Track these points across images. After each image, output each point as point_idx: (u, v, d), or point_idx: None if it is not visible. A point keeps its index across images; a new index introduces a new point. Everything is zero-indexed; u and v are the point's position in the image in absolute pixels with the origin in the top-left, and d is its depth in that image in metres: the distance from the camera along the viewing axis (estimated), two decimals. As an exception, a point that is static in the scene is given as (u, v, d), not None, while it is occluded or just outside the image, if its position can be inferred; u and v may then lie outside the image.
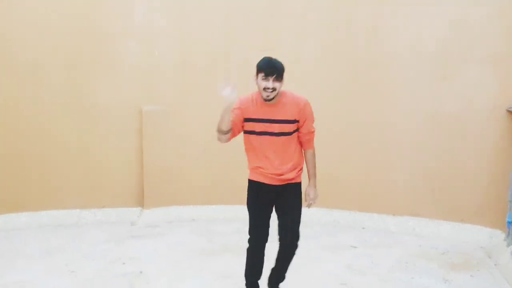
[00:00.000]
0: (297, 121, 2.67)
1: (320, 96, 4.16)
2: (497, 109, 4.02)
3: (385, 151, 4.48)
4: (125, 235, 4.26)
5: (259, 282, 2.94)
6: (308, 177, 2.83)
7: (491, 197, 4.10)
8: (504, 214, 3.88)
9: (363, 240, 4.15)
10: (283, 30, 4.60)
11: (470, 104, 4.14)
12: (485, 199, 4.15)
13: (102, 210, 4.73)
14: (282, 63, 2.61)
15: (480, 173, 4.16)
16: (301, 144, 2.78)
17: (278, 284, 2.94)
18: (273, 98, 2.60)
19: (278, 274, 2.90)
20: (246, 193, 4.90)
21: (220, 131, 2.65)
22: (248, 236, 2.85)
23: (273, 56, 4.49)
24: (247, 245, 3.61)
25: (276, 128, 2.63)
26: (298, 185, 2.78)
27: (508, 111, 3.95)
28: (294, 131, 2.69)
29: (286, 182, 2.71)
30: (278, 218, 2.78)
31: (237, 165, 4.75)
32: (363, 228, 4.45)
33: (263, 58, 2.63)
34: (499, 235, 4.00)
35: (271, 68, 2.55)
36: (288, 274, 3.19)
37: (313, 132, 2.77)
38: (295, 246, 2.77)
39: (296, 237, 2.76)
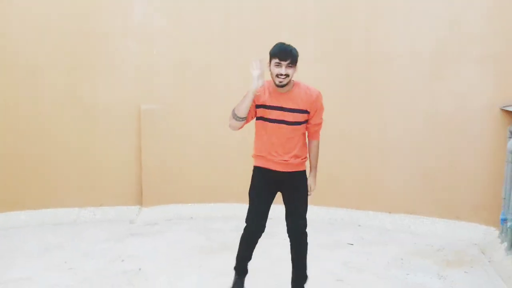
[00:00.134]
0: (308, 112, 2.68)
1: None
2: (493, 108, 4.07)
3: (381, 150, 4.53)
4: (124, 233, 4.29)
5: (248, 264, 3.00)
6: (310, 167, 2.86)
7: (486, 195, 4.16)
8: (498, 212, 3.93)
9: (360, 237, 4.20)
10: (281, 30, 4.63)
11: (466, 103, 4.19)
12: (480, 197, 4.20)
13: (101, 209, 4.76)
14: (296, 49, 2.60)
15: (475, 171, 4.21)
16: (307, 134, 2.80)
17: (303, 286, 2.91)
18: (286, 85, 2.61)
19: (300, 273, 2.87)
20: (244, 191, 4.95)
21: (235, 117, 2.63)
22: (246, 222, 2.85)
23: (267, 54, 4.49)
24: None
25: (287, 116, 2.64)
26: (303, 173, 2.80)
27: (503, 109, 4.01)
28: (303, 122, 2.70)
29: (290, 170, 2.72)
30: (287, 203, 2.79)
31: (235, 164, 4.82)
32: (359, 226, 4.50)
33: (276, 44, 2.63)
34: (494, 232, 4.06)
35: (284, 54, 2.55)
36: (284, 271, 3.24)
37: (321, 123, 2.80)
38: (304, 233, 2.78)
39: (304, 224, 2.77)
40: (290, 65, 2.56)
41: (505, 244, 3.67)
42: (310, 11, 4.59)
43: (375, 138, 4.53)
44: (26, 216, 4.59)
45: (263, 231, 2.82)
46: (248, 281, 3.05)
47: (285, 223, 2.82)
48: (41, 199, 4.65)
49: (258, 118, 2.73)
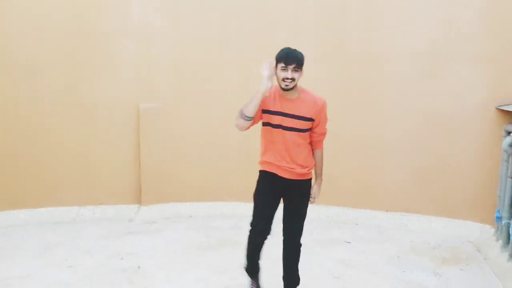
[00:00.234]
0: (313, 120, 2.68)
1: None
2: (487, 107, 4.12)
3: (378, 149, 4.56)
4: (123, 232, 4.32)
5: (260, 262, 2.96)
6: (316, 176, 2.87)
7: (481, 193, 4.20)
8: (494, 210, 3.98)
9: (357, 235, 4.24)
10: (280, 30, 4.66)
11: (462, 103, 4.24)
12: (476, 195, 4.25)
13: (101, 207, 4.79)
14: (302, 54, 2.61)
15: (471, 170, 4.26)
16: (311, 143, 2.80)
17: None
18: (291, 89, 2.61)
19: (291, 280, 2.89)
20: (243, 190, 4.99)
21: (244, 116, 2.63)
22: (250, 226, 2.82)
23: (265, 54, 4.53)
24: (243, 239, 3.66)
25: (291, 123, 2.64)
26: (309, 181, 2.79)
27: (498, 109, 4.05)
28: (308, 129, 2.70)
29: (296, 178, 2.72)
30: (286, 214, 2.79)
31: (234, 163, 4.85)
32: (357, 224, 4.54)
33: (282, 49, 2.63)
34: (489, 230, 4.11)
35: (290, 59, 2.56)
36: (280, 267, 3.27)
37: (325, 133, 2.81)
38: (298, 246, 2.81)
39: (300, 238, 2.79)
40: (296, 69, 2.56)
41: (500, 241, 3.72)
42: (308, 12, 4.63)
43: (372, 137, 4.57)
44: (25, 215, 4.62)
45: (268, 234, 2.78)
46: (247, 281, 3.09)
47: (282, 226, 2.82)
48: (40, 198, 4.68)
49: (264, 124, 2.72)
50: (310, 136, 2.76)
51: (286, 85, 2.59)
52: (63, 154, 4.71)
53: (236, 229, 4.38)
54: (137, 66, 4.75)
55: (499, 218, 3.80)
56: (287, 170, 2.69)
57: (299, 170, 2.70)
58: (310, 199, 2.84)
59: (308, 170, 2.75)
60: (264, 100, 2.64)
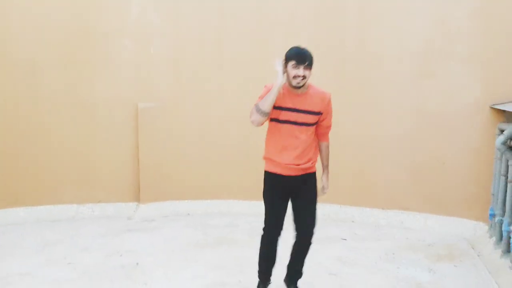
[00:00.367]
0: (321, 113, 2.74)
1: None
2: (481, 105, 4.16)
3: (374, 148, 4.61)
4: (121, 229, 4.36)
5: (273, 270, 2.97)
6: (323, 168, 2.93)
7: (476, 191, 4.25)
8: (488, 207, 4.02)
9: (353, 233, 4.28)
10: (276, 29, 4.71)
11: (455, 101, 4.28)
12: (470, 193, 4.29)
13: (99, 205, 4.83)
14: (311, 53, 2.67)
15: (465, 168, 4.30)
16: (317, 135, 2.85)
17: (296, 282, 2.97)
18: (302, 86, 2.65)
19: (296, 269, 2.93)
20: (240, 188, 5.04)
21: (261, 112, 2.64)
22: (263, 226, 2.85)
23: (264, 53, 4.59)
24: (240, 237, 3.72)
25: (301, 118, 2.68)
26: (314, 174, 2.84)
27: (492, 107, 4.09)
28: (315, 123, 2.76)
29: (302, 173, 2.76)
30: (295, 208, 2.82)
31: (232, 161, 4.90)
32: (353, 221, 4.59)
33: (292, 48, 2.67)
34: (483, 227, 4.16)
35: (302, 57, 2.61)
36: (278, 265, 3.30)
37: (331, 126, 2.87)
38: (311, 236, 2.81)
39: (313, 225, 2.80)
40: (307, 67, 2.62)
41: (494, 238, 3.77)
42: (303, 12, 4.67)
43: (368, 136, 4.61)
44: (24, 213, 4.66)
45: (280, 232, 2.83)
46: (247, 280, 3.12)
47: (294, 224, 2.83)
48: (39, 196, 4.72)
49: (273, 120, 2.73)
50: (317, 129, 2.82)
51: (298, 83, 2.63)
52: (62, 152, 4.75)
53: (233, 226, 4.42)
54: (136, 66, 4.79)
55: (492, 216, 3.85)
56: (293, 168, 2.72)
57: (305, 165, 2.74)
58: (324, 191, 2.91)
59: (312, 164, 2.80)
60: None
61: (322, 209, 4.70)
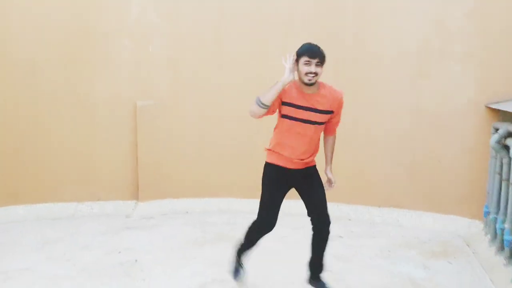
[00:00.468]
0: (332, 112, 2.74)
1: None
2: (476, 104, 4.21)
3: (370, 147, 4.65)
4: (120, 227, 4.40)
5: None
6: (328, 161, 2.92)
7: (471, 189, 4.30)
8: (483, 205, 4.08)
9: (349, 230, 4.33)
10: (273, 29, 4.75)
11: (450, 100, 4.33)
12: (466, 191, 4.34)
13: (98, 203, 4.87)
14: (323, 50, 2.66)
15: (460, 166, 4.35)
16: (327, 130, 2.86)
17: (320, 276, 2.97)
18: (314, 83, 2.63)
19: (318, 263, 2.93)
20: (238, 186, 5.07)
21: (260, 103, 2.61)
22: (257, 217, 2.85)
23: (263, 53, 4.60)
24: (239, 234, 3.71)
25: (312, 116, 2.67)
26: (315, 167, 2.86)
27: (487, 106, 4.14)
28: (325, 122, 2.76)
29: (304, 166, 2.78)
30: (307, 198, 2.82)
31: (230, 159, 4.93)
32: (349, 219, 4.63)
33: (303, 45, 2.66)
34: (478, 225, 4.20)
35: (314, 53, 2.59)
36: (275, 262, 3.36)
37: (340, 121, 2.88)
38: (329, 224, 2.82)
39: (328, 215, 2.82)
40: (319, 64, 2.60)
41: (489, 236, 3.82)
42: (300, 12, 4.71)
43: (364, 135, 4.65)
44: (24, 211, 4.70)
45: (274, 226, 2.84)
46: (247, 282, 3.17)
47: (310, 218, 2.85)
48: (39, 194, 4.75)
49: (284, 116, 2.71)
50: (327, 124, 2.81)
51: (309, 80, 2.60)
52: (61, 151, 4.79)
53: (231, 224, 4.46)
54: (136, 65, 4.83)
55: (487, 213, 3.90)
56: (297, 162, 2.74)
57: (308, 159, 2.77)
58: (332, 185, 2.91)
59: (313, 157, 2.83)
60: (284, 92, 2.65)
61: (319, 207, 4.79)
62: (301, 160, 2.75)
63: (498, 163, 3.70)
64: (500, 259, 3.36)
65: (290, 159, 2.74)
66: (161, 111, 4.88)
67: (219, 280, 3.26)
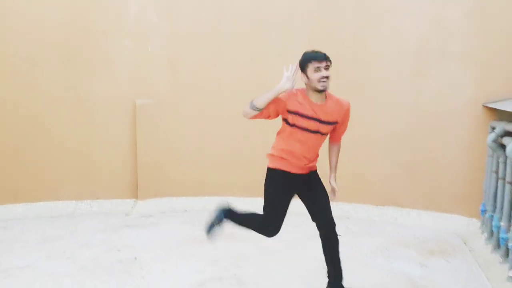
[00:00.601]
0: (337, 123, 2.75)
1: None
2: (474, 104, 4.24)
3: (369, 146, 4.68)
4: (120, 225, 4.42)
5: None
6: (332, 169, 2.90)
7: (469, 188, 4.32)
8: (480, 204, 4.10)
9: (348, 229, 4.35)
10: (272, 28, 4.77)
11: (449, 100, 4.36)
12: (464, 190, 4.37)
13: (98, 202, 4.89)
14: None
15: (459, 165, 4.38)
16: (332, 138, 2.86)
17: (341, 284, 2.92)
18: (326, 89, 2.61)
19: (336, 271, 2.90)
20: (237, 185, 5.09)
21: (252, 106, 2.62)
22: (263, 222, 2.82)
23: (262, 53, 4.59)
24: (237, 232, 3.74)
25: (317, 126, 2.67)
26: (316, 171, 2.87)
27: (484, 106, 4.16)
28: (328, 132, 2.77)
29: (308, 171, 2.79)
30: (310, 203, 2.82)
31: (228, 158, 4.95)
32: (348, 218, 4.66)
33: (306, 53, 2.63)
34: (476, 223, 4.23)
35: (321, 57, 2.57)
36: (275, 261, 3.38)
37: (346, 129, 2.88)
38: (334, 226, 2.82)
39: (332, 218, 2.81)
40: (327, 67, 2.58)
41: (485, 234, 3.84)
42: (300, 11, 4.73)
43: (364, 134, 4.67)
44: (24, 209, 4.73)
45: (280, 229, 2.82)
46: (242, 273, 3.17)
47: (315, 223, 2.84)
48: (39, 192, 4.78)
49: (287, 123, 2.69)
50: (332, 132, 2.82)
51: (323, 85, 2.58)
52: (61, 150, 4.81)
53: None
54: (135, 64, 4.85)
55: (484, 212, 3.93)
56: (303, 168, 2.75)
57: (311, 163, 2.79)
58: (335, 194, 2.88)
59: (315, 162, 2.84)
60: (290, 100, 2.63)
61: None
62: (304, 165, 2.76)
63: (494, 162, 3.73)
64: (496, 257, 3.39)
65: (293, 164, 2.74)
66: (161, 110, 4.90)
67: (218, 277, 3.28)
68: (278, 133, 2.81)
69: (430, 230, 4.33)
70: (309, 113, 2.64)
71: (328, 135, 2.86)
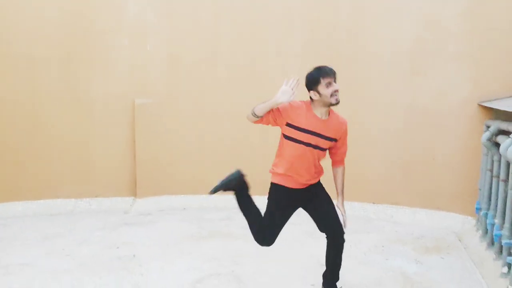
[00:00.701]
0: (336, 140, 2.77)
1: (301, 90, 4.38)
2: (469, 102, 4.28)
3: (366, 144, 4.71)
4: (118, 223, 4.46)
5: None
6: (338, 193, 2.90)
7: (465, 186, 4.37)
8: (475, 202, 4.15)
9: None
10: (269, 28, 4.81)
11: (445, 99, 4.40)
12: (459, 188, 4.41)
13: (97, 200, 4.93)
14: None
15: (454, 163, 4.42)
16: (335, 160, 2.88)
17: (336, 285, 2.96)
18: (339, 102, 2.63)
19: (334, 274, 2.93)
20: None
21: (252, 112, 2.65)
22: (260, 233, 2.84)
23: (259, 52, 4.59)
24: (235, 230, 3.79)
25: (318, 142, 2.68)
26: (319, 182, 2.87)
27: (479, 104, 4.21)
28: (328, 148, 2.78)
29: (308, 185, 2.79)
30: (316, 214, 2.83)
31: (226, 157, 4.99)
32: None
33: (314, 69, 2.66)
34: (471, 221, 4.28)
35: (331, 71, 2.62)
36: (274, 261, 3.41)
37: (346, 151, 2.90)
38: (343, 234, 2.83)
39: (342, 227, 2.82)
40: (335, 80, 2.62)
41: (480, 231, 3.89)
42: (297, 11, 4.77)
43: (360, 133, 4.68)
44: (23, 207, 4.76)
45: (271, 245, 2.85)
46: (239, 270, 3.21)
47: (325, 233, 2.86)
48: (38, 191, 4.82)
49: (286, 137, 2.71)
50: (333, 156, 2.85)
51: (336, 99, 2.62)
52: (60, 148, 4.84)
53: (227, 220, 4.52)
54: (133, 63, 4.89)
55: (478, 210, 3.97)
56: (303, 183, 2.75)
57: (312, 180, 2.80)
58: (344, 221, 2.85)
59: (318, 177, 2.84)
60: (291, 114, 2.65)
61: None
62: (306, 181, 2.76)
63: (489, 160, 3.77)
64: (490, 254, 3.43)
65: (295, 180, 2.74)
66: (159, 109, 4.94)
67: (215, 274, 3.32)
68: (278, 150, 2.81)
69: (426, 227, 4.37)
70: (308, 126, 2.65)
71: (331, 160, 2.87)
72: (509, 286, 2.84)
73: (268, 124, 2.74)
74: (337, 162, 2.90)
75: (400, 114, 4.56)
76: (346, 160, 4.68)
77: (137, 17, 4.86)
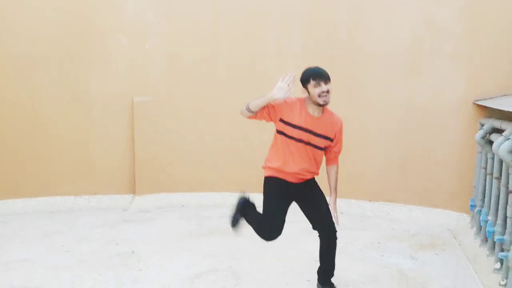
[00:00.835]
0: (332, 140, 2.79)
1: (299, 89, 4.43)
2: (465, 101, 4.32)
3: (362, 142, 4.75)
4: (118, 220, 4.50)
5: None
6: (332, 191, 2.92)
7: (460, 184, 4.41)
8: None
9: (341, 224, 4.30)
10: (268, 27, 4.84)
11: (441, 97, 4.44)
12: (454, 186, 4.46)
13: (96, 197, 4.97)
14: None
15: (449, 161, 4.47)
16: (328, 159, 2.90)
17: (330, 280, 2.99)
18: (328, 103, 2.67)
19: (328, 271, 2.96)
20: (233, 181, 5.16)
21: (247, 107, 2.70)
22: (263, 227, 2.86)
23: (257, 50, 4.64)
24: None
25: (312, 139, 2.71)
26: (314, 179, 2.90)
27: (475, 103, 4.26)
28: (325, 147, 2.80)
29: (303, 180, 2.82)
30: (310, 212, 2.86)
31: (225, 154, 5.03)
32: (342, 213, 4.68)
33: (305, 70, 2.71)
34: (466, 218, 4.33)
35: (320, 73, 2.66)
36: (270, 253, 3.45)
37: (341, 150, 2.93)
38: (335, 232, 2.86)
39: (334, 226, 2.85)
40: (328, 81, 2.65)
41: (474, 228, 3.94)
42: (297, 11, 4.81)
43: (356, 131, 4.74)
44: (23, 204, 4.80)
45: (278, 237, 2.85)
46: (237, 266, 3.26)
47: (317, 231, 2.89)
48: (37, 188, 4.85)
49: (279, 133, 2.74)
50: (327, 154, 2.88)
51: (324, 100, 2.65)
52: (59, 146, 4.88)
53: (226, 218, 4.53)
54: (132, 61, 4.92)
55: (473, 207, 4.02)
56: (295, 177, 2.78)
57: (307, 175, 2.82)
58: (336, 218, 2.87)
59: (314, 174, 2.87)
60: (285, 110, 2.69)
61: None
62: (300, 176, 2.78)
63: (483, 158, 3.82)
64: (484, 250, 3.48)
65: (288, 174, 2.77)
66: (158, 107, 4.98)
67: (214, 270, 3.37)
68: (271, 146, 2.85)
69: (422, 225, 4.43)
70: (302, 123, 2.69)
71: (325, 158, 2.89)
72: (501, 281, 2.89)
73: (261, 120, 2.78)
74: (330, 160, 2.93)
75: (397, 113, 4.61)
76: (343, 158, 4.72)
77: (136, 16, 4.89)
